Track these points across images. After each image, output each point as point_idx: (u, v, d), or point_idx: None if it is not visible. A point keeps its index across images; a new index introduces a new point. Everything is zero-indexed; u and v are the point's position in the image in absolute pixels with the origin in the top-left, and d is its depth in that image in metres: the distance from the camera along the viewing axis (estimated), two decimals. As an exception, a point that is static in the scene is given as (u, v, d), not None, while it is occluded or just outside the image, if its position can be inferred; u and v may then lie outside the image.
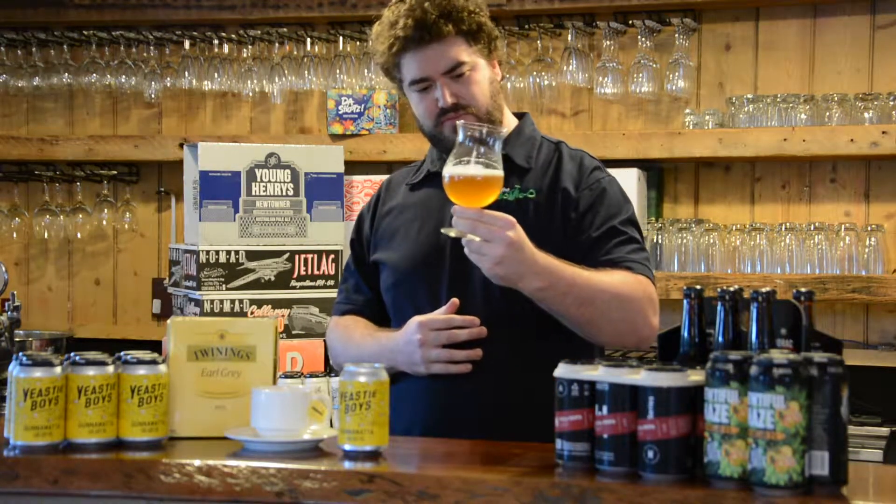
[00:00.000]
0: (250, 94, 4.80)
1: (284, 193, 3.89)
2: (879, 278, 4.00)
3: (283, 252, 3.85)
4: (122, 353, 2.14)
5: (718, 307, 1.93)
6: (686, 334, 1.97)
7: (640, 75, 4.35)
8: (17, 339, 4.19)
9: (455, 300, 2.46)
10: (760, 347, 1.88)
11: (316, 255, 3.88)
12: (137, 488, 1.97)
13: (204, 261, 3.75)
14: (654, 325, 2.46)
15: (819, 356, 1.77)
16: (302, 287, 3.86)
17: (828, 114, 4.15)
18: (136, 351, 2.16)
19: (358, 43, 4.69)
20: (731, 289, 1.93)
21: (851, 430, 2.91)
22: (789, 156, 4.15)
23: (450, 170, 2.29)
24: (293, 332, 3.82)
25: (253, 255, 3.80)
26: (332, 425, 2.27)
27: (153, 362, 2.13)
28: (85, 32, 4.94)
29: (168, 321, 2.27)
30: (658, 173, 4.41)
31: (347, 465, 1.97)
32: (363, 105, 4.63)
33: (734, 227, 4.24)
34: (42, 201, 5.03)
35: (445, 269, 2.52)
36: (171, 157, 4.77)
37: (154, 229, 5.08)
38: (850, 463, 1.78)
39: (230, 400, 2.21)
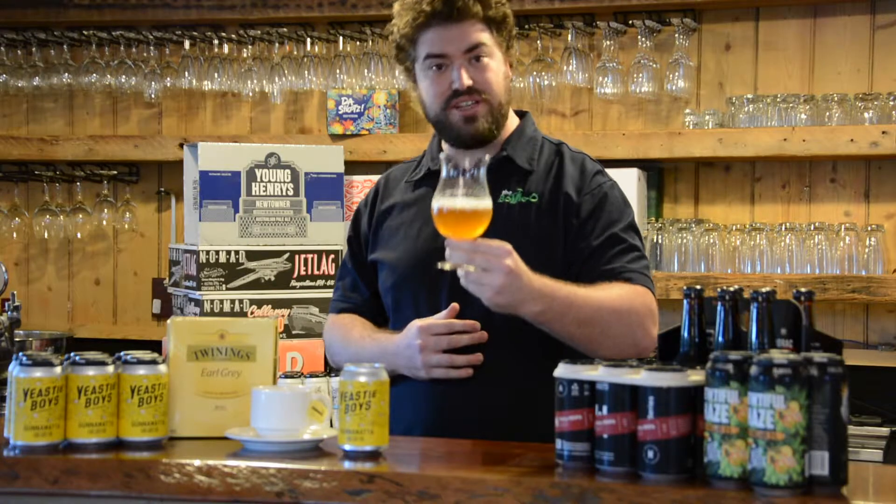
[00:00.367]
0: (250, 94, 4.80)
1: (284, 193, 3.89)
2: (879, 278, 4.00)
3: (283, 252, 3.85)
4: (122, 353, 2.14)
5: (718, 307, 1.93)
6: (686, 334, 1.97)
7: (640, 75, 4.35)
8: (17, 339, 4.19)
9: (455, 305, 2.44)
10: (760, 347, 1.88)
11: (316, 255, 3.88)
12: (137, 488, 1.97)
13: (204, 261, 3.75)
14: (653, 335, 2.45)
15: (819, 356, 1.77)
16: (302, 287, 3.86)
17: (828, 114, 4.15)
18: (136, 351, 2.16)
19: (358, 43, 4.69)
20: (731, 289, 1.93)
21: (851, 430, 2.91)
22: (789, 156, 4.15)
23: (438, 202, 2.26)
24: (293, 332, 3.82)
25: (253, 255, 3.80)
26: (332, 425, 2.27)
27: (153, 362, 2.13)
28: (85, 32, 4.95)
29: (168, 321, 2.27)
30: (658, 173, 4.41)
31: (347, 465, 1.97)
32: (363, 105, 4.63)
33: (734, 227, 4.24)
34: (42, 201, 5.03)
35: (448, 273, 2.49)
36: (171, 157, 4.77)
37: (154, 229, 5.08)
38: (850, 463, 1.78)
39: (230, 400, 2.21)
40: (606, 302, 2.40)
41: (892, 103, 4.09)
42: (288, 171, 3.90)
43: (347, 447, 2.03)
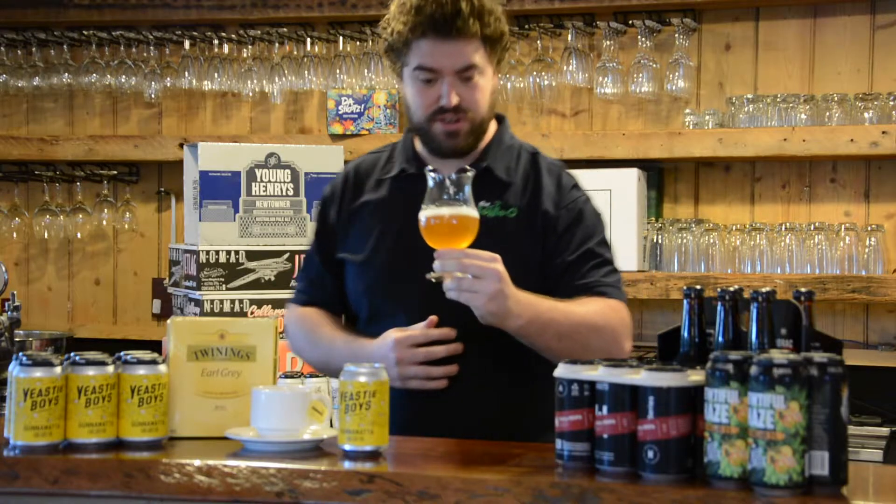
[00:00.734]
0: (250, 94, 4.80)
1: (284, 193, 3.89)
2: (879, 278, 4.00)
3: (283, 252, 3.84)
4: (122, 353, 2.14)
5: (718, 307, 1.93)
6: (686, 334, 1.97)
7: (640, 75, 4.35)
8: (17, 339, 4.19)
9: (434, 318, 2.42)
10: (760, 347, 1.88)
11: (316, 255, 3.88)
12: (137, 488, 1.97)
13: (204, 261, 3.75)
14: (627, 349, 2.48)
15: (819, 356, 1.77)
16: (302, 287, 3.85)
17: (828, 114, 4.15)
18: (136, 351, 2.16)
19: (358, 43, 4.69)
20: (731, 289, 1.93)
21: (851, 430, 2.91)
22: (789, 156, 4.15)
23: (426, 214, 2.29)
24: (293, 332, 3.81)
25: (253, 255, 3.80)
26: (332, 425, 2.27)
27: (153, 362, 2.13)
28: (85, 32, 4.95)
29: (168, 321, 2.27)
30: (658, 173, 4.41)
31: (347, 465, 1.97)
32: (363, 105, 4.63)
33: (734, 227, 4.24)
34: (42, 201, 5.03)
35: (422, 275, 2.48)
36: (171, 157, 4.77)
37: (154, 229, 5.08)
38: (850, 463, 1.78)
39: (230, 400, 2.21)
40: (585, 317, 2.42)
41: (892, 103, 4.09)
42: (288, 171, 3.90)
43: (347, 447, 2.03)
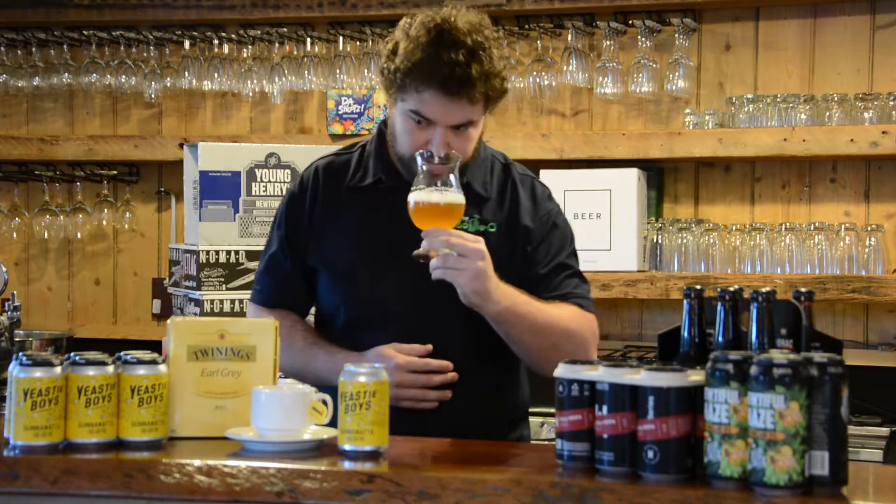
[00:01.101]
0: (250, 94, 4.80)
1: (284, 193, 3.89)
2: (879, 278, 4.00)
3: (283, 252, 3.84)
4: (122, 353, 2.14)
5: (718, 307, 1.93)
6: (686, 334, 1.97)
7: (640, 75, 4.35)
8: (17, 339, 4.19)
9: (429, 347, 2.45)
10: (760, 347, 1.88)
11: (316, 255, 3.88)
12: (137, 488, 1.97)
13: (204, 261, 3.75)
14: (593, 358, 2.51)
15: (819, 356, 1.77)
16: (302, 287, 3.85)
17: (828, 114, 4.15)
18: (136, 351, 2.15)
19: (358, 43, 4.69)
20: (731, 289, 1.93)
21: (851, 430, 2.90)
22: (789, 156, 4.15)
23: (415, 197, 2.36)
24: (293, 332, 3.81)
25: (253, 255, 3.80)
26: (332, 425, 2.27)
27: (153, 362, 2.13)
28: (85, 32, 4.95)
29: (168, 321, 2.27)
30: (658, 173, 4.41)
31: (347, 465, 1.97)
32: (363, 105, 4.63)
33: (734, 227, 4.24)
34: (42, 201, 5.03)
35: (408, 287, 2.47)
36: (171, 157, 4.77)
37: (154, 229, 5.08)
38: (850, 463, 1.78)
39: (230, 400, 2.21)
40: (559, 318, 2.48)
41: (892, 103, 4.09)
42: (288, 171, 3.90)
43: (347, 447, 2.03)
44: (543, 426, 3.85)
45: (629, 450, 1.85)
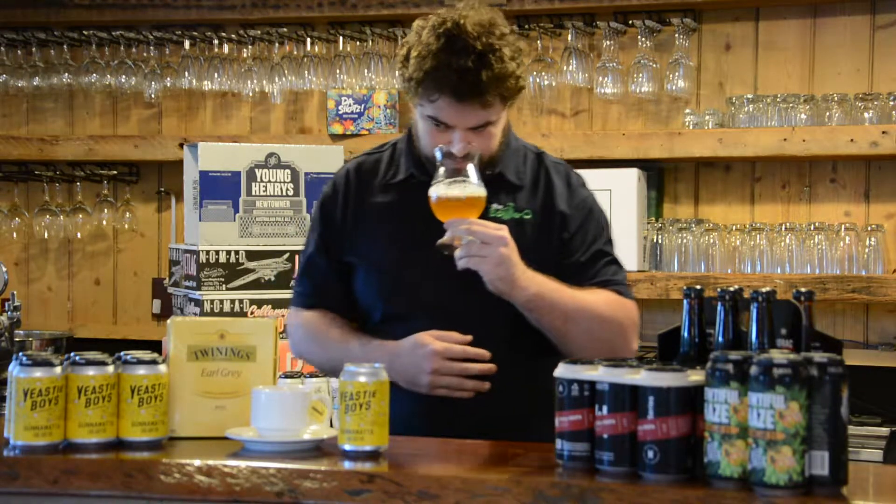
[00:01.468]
0: (250, 94, 4.80)
1: (284, 193, 3.89)
2: (879, 278, 4.00)
3: (283, 252, 3.84)
4: (122, 353, 2.14)
5: (718, 307, 1.93)
6: (686, 334, 1.97)
7: (640, 75, 4.35)
8: (17, 339, 4.19)
9: (468, 338, 2.43)
10: (760, 347, 1.88)
11: (316, 255, 3.88)
12: (137, 488, 1.97)
13: (204, 261, 3.75)
14: (633, 348, 2.51)
15: (819, 356, 1.77)
16: (302, 287, 3.85)
17: (828, 114, 4.15)
18: (136, 351, 2.16)
19: (358, 43, 4.69)
20: (731, 289, 1.93)
21: (851, 430, 2.90)
22: (789, 156, 4.15)
23: (435, 191, 2.39)
24: (293, 332, 3.81)
25: (253, 255, 3.80)
26: (332, 425, 2.27)
27: (153, 362, 2.13)
28: (85, 32, 4.95)
29: (168, 321, 2.27)
30: (658, 173, 4.41)
31: (347, 465, 1.97)
32: (363, 105, 4.63)
33: (734, 227, 4.24)
34: (42, 201, 5.03)
35: (443, 278, 2.47)
36: (171, 157, 4.77)
37: (154, 229, 5.08)
38: (850, 463, 1.78)
39: (230, 400, 2.21)
40: (592, 305, 2.46)
41: (892, 103, 4.09)
42: (288, 171, 3.90)
43: (347, 447, 2.03)
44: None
45: (629, 450, 1.85)
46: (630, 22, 4.41)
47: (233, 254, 3.79)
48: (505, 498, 1.83)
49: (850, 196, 4.27)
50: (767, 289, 1.91)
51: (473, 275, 2.37)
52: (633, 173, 4.19)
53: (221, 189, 3.82)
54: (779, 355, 1.75)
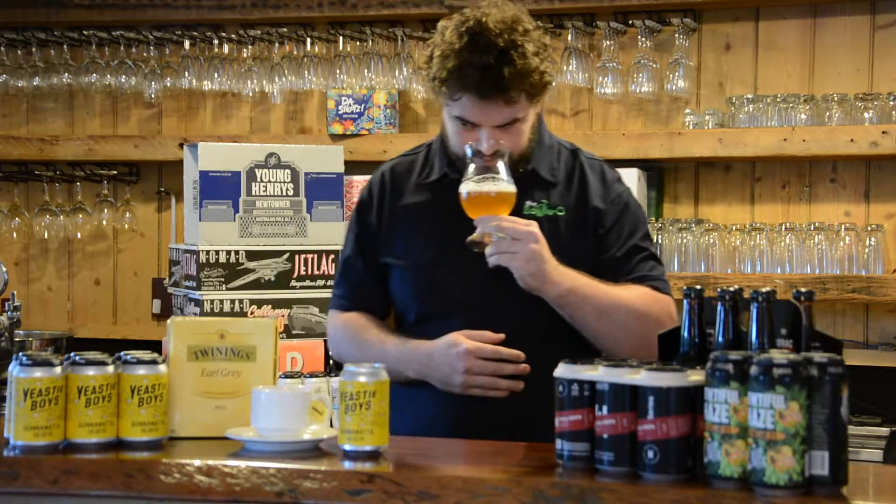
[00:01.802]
0: (250, 94, 4.80)
1: (284, 193, 3.89)
2: (879, 278, 4.00)
3: (283, 252, 3.84)
4: (122, 353, 2.14)
5: (718, 307, 1.93)
6: (686, 334, 1.97)
7: (640, 75, 4.35)
8: (17, 339, 4.19)
9: (501, 336, 2.44)
10: (760, 347, 1.88)
11: (316, 255, 3.88)
12: (137, 488, 1.97)
13: (204, 261, 3.75)
14: None
15: (819, 356, 1.77)
16: (302, 287, 3.85)
17: (828, 114, 4.15)
18: (136, 351, 2.16)
19: (358, 43, 4.69)
20: (731, 289, 1.93)
21: (851, 430, 2.90)
22: (789, 156, 4.15)
23: (465, 188, 2.41)
24: (293, 332, 3.81)
25: (253, 255, 3.80)
26: (332, 425, 2.27)
27: (153, 362, 2.13)
28: (85, 32, 4.95)
29: (168, 321, 2.27)
30: (658, 173, 4.41)
31: (347, 465, 1.97)
32: (363, 105, 4.63)
33: (734, 227, 4.24)
34: (42, 201, 5.03)
35: (477, 277, 2.48)
36: (171, 157, 4.77)
37: (154, 229, 5.08)
38: (850, 463, 1.78)
39: (230, 400, 2.21)
40: (627, 300, 2.46)
41: (892, 103, 4.09)
42: (288, 171, 3.90)
43: (347, 447, 2.03)
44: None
45: (629, 450, 1.85)
46: (630, 22, 4.41)
47: (233, 254, 3.79)
48: (505, 498, 1.83)
49: (850, 196, 4.27)
50: (767, 289, 1.91)
51: (507, 273, 2.38)
52: (632, 173, 4.19)
53: (221, 189, 3.82)
54: (779, 355, 1.75)
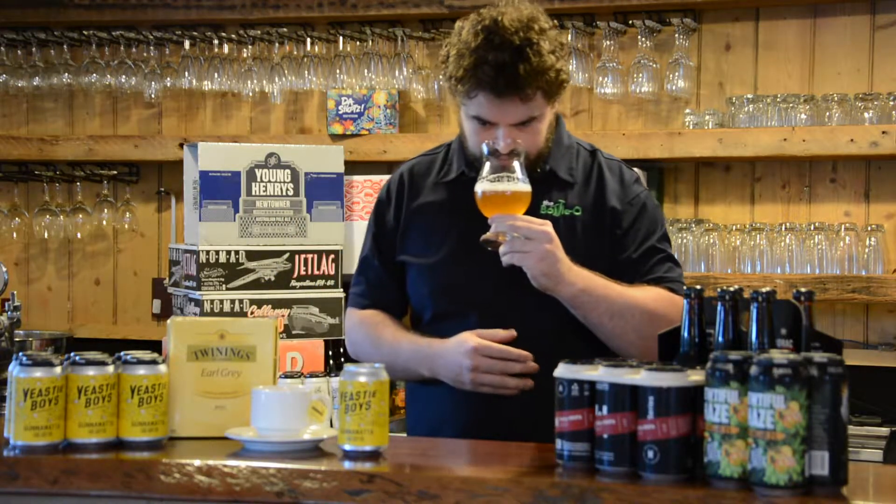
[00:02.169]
0: (250, 94, 4.80)
1: (284, 193, 3.89)
2: (879, 278, 4.00)
3: (283, 252, 3.85)
4: (122, 353, 2.14)
5: (718, 307, 1.93)
6: (686, 334, 1.97)
7: (640, 75, 4.35)
8: (17, 339, 4.19)
9: (512, 332, 2.44)
10: (760, 347, 1.88)
11: (316, 255, 3.88)
12: (137, 488, 1.97)
13: (204, 261, 3.75)
14: None
15: (819, 356, 1.77)
16: (302, 287, 3.86)
17: (828, 114, 4.15)
18: (136, 351, 2.16)
19: (358, 43, 4.69)
20: (731, 289, 1.93)
21: (851, 430, 2.91)
22: (789, 156, 4.15)
23: (480, 187, 2.41)
24: (293, 332, 3.82)
25: (253, 255, 3.80)
26: (332, 425, 2.27)
27: (153, 362, 2.13)
28: (85, 32, 4.94)
29: (168, 321, 2.27)
30: (658, 173, 4.41)
31: (347, 465, 1.97)
32: (363, 105, 4.63)
33: (734, 227, 4.24)
34: (42, 201, 5.03)
35: (492, 276, 2.48)
36: (171, 157, 4.77)
37: (154, 229, 5.08)
38: (850, 463, 1.78)
39: (230, 400, 2.21)
40: (640, 301, 2.46)
41: (892, 103, 4.09)
42: (288, 171, 3.90)
43: (347, 447, 2.03)
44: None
45: (629, 450, 1.85)
46: (630, 22, 4.41)
47: (233, 254, 3.79)
48: (505, 498, 1.83)
49: (850, 196, 4.27)
50: (767, 289, 1.91)
51: (522, 272, 2.38)
52: (633, 173, 4.19)
53: (221, 189, 3.82)
54: (779, 355, 1.75)
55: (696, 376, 1.83)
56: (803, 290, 1.92)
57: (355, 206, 4.21)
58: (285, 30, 4.76)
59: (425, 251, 2.59)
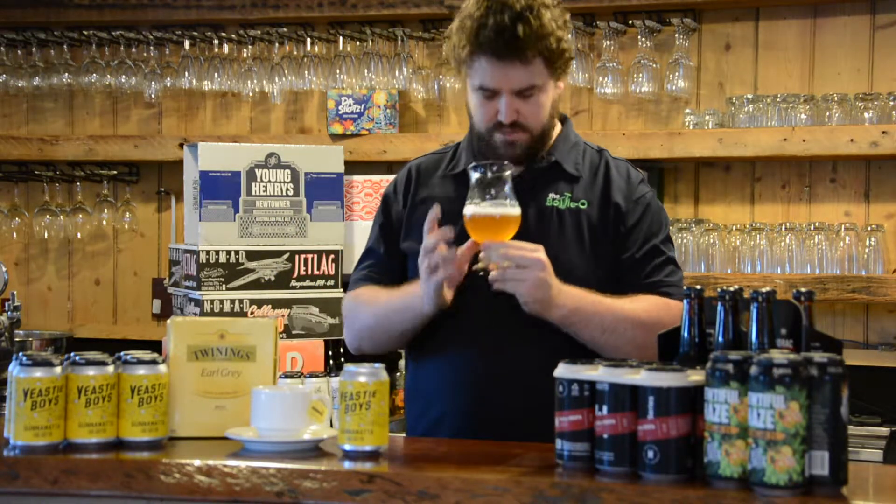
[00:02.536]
0: (250, 94, 4.80)
1: (284, 193, 3.89)
2: (879, 278, 4.00)
3: (283, 252, 3.85)
4: (122, 353, 2.14)
5: (718, 307, 1.93)
6: (686, 334, 1.97)
7: (640, 75, 4.35)
8: (17, 339, 4.19)
9: (450, 233, 2.41)
10: (760, 347, 1.88)
11: (316, 255, 3.88)
12: (137, 488, 1.97)
13: (204, 261, 3.75)
14: None
15: (819, 356, 1.77)
16: (302, 287, 3.86)
17: (828, 114, 4.15)
18: (136, 351, 2.16)
19: (358, 43, 4.69)
20: (731, 289, 1.93)
21: (851, 430, 2.91)
22: (789, 156, 4.15)
23: (469, 210, 2.38)
24: (293, 332, 3.82)
25: (253, 255, 3.80)
26: (332, 425, 2.27)
27: (153, 362, 2.13)
28: (85, 32, 4.94)
29: (168, 321, 2.27)
30: (658, 173, 4.41)
31: (347, 465, 1.97)
32: (363, 105, 4.63)
33: (734, 227, 4.24)
34: (42, 201, 5.03)
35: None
36: (171, 157, 4.77)
37: (154, 229, 5.08)
38: (850, 463, 1.78)
39: (230, 400, 2.21)
40: (631, 313, 2.46)
41: (892, 103, 4.09)
42: (288, 171, 3.90)
43: (347, 447, 2.03)
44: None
45: (629, 450, 1.85)
46: (630, 22, 4.41)
47: (233, 254, 3.79)
48: (505, 498, 1.83)
49: (850, 196, 4.27)
50: (767, 289, 1.91)
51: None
52: (633, 173, 4.19)
53: (221, 189, 3.82)
54: (779, 355, 1.75)
55: (696, 376, 1.83)
56: (803, 290, 1.92)
57: (355, 206, 4.21)
58: (285, 30, 4.76)
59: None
